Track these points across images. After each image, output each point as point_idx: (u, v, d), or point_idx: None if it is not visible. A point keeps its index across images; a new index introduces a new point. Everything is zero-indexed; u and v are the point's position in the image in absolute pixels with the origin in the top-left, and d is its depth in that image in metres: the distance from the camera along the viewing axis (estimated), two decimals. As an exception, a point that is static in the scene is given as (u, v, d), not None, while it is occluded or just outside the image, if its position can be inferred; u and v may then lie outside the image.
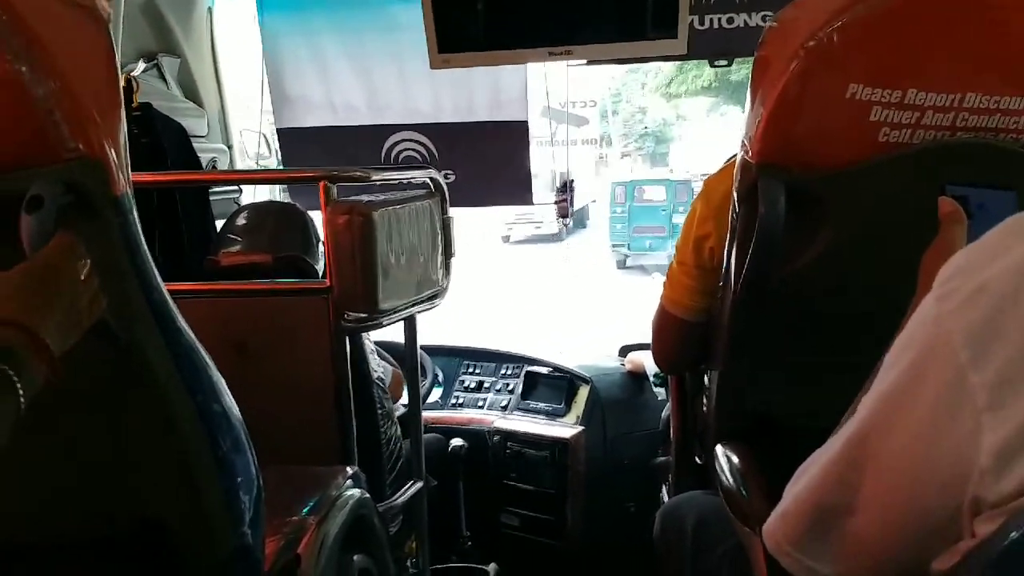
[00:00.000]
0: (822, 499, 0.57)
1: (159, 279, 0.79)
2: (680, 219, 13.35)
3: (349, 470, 1.36)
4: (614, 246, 14.33)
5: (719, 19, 2.06)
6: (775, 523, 0.61)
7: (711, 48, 2.10)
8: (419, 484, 1.86)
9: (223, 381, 0.90)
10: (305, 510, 1.20)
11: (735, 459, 0.96)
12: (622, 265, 14.25)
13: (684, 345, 1.33)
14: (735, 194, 0.93)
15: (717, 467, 0.98)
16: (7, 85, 0.65)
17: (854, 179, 0.83)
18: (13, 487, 0.68)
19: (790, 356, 0.96)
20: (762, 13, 2.02)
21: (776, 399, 0.99)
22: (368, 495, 1.35)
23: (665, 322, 1.33)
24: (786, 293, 0.91)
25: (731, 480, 0.95)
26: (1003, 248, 0.46)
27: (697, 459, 1.42)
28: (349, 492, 1.28)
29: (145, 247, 0.76)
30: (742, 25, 2.05)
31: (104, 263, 0.70)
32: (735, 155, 1.03)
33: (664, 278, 1.34)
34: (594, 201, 16.63)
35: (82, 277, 0.68)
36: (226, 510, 0.89)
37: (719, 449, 0.99)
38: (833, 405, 0.79)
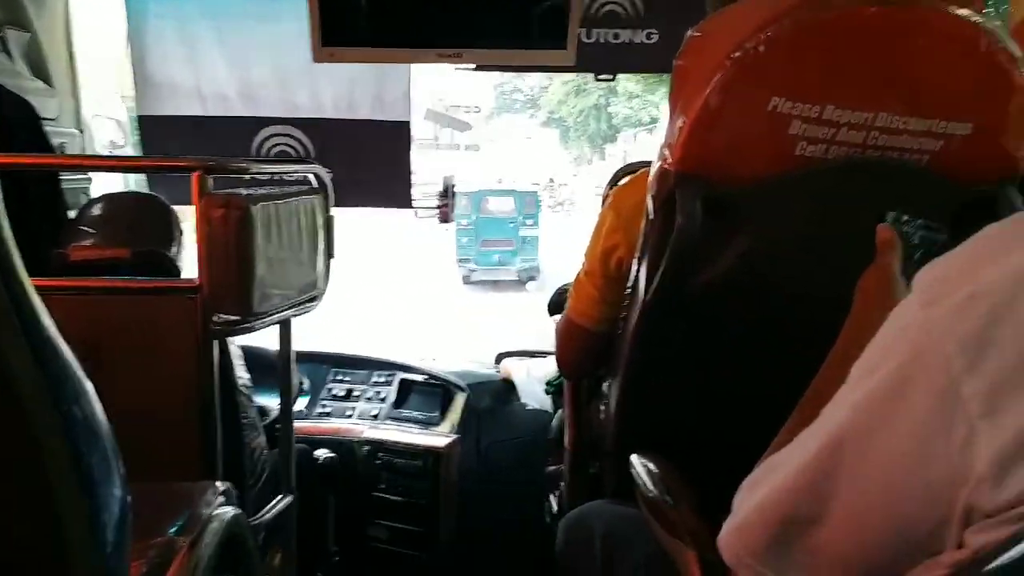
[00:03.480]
0: (788, 509, 0.55)
1: (22, 270, 0.68)
2: (528, 232, 13.46)
3: (220, 485, 1.25)
4: (460, 261, 13.68)
5: (606, 34, 2.10)
6: (733, 534, 0.60)
7: (598, 62, 2.13)
8: (289, 498, 1.76)
9: (91, 387, 0.80)
10: (173, 530, 1.09)
11: (654, 468, 0.95)
12: (467, 280, 13.66)
13: (588, 353, 1.34)
14: (650, 202, 0.93)
15: (635, 475, 0.97)
16: None
17: (770, 191, 0.85)
18: None
19: (696, 366, 0.97)
20: (647, 31, 2.08)
21: (678, 408, 1.00)
22: (242, 512, 1.25)
23: (570, 331, 1.34)
24: (697, 302, 0.91)
25: (654, 489, 0.93)
26: (992, 255, 0.45)
27: (591, 469, 1.42)
28: (222, 510, 1.17)
29: (8, 232, 0.65)
30: (627, 42, 2.10)
31: None
32: (642, 167, 1.04)
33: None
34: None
35: None
36: (89, 534, 0.79)
37: (634, 458, 0.98)
38: (738, 414, 0.80)
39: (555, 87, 24.29)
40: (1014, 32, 1.22)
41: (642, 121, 22.50)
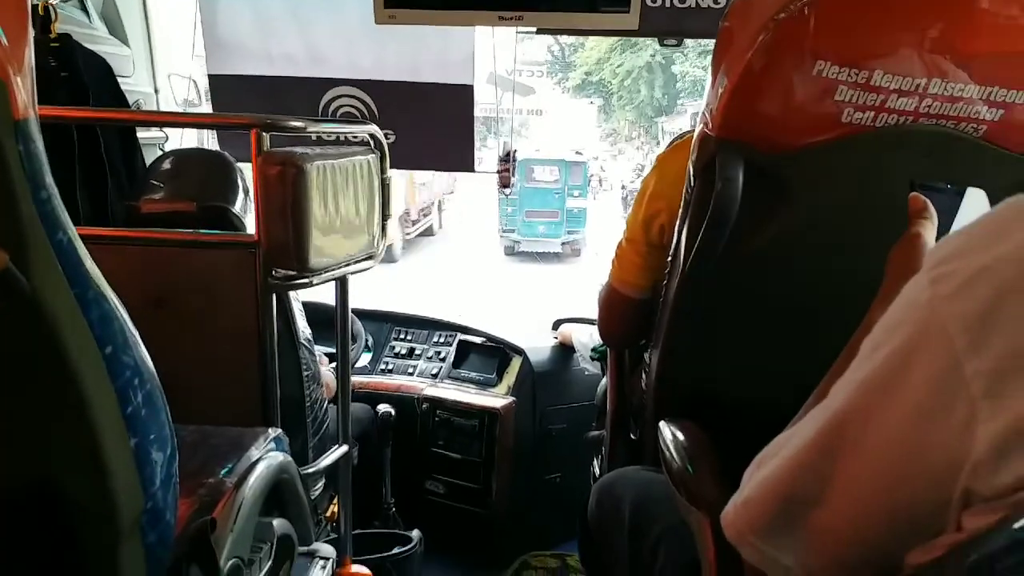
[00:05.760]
0: (790, 488, 0.54)
1: (66, 217, 0.72)
2: (574, 203, 12.91)
3: (271, 432, 1.30)
4: (503, 231, 13.08)
5: (670, -2, 2.03)
6: (736, 511, 0.59)
7: (661, 26, 2.07)
8: (344, 448, 1.82)
9: (136, 333, 0.84)
10: (223, 472, 1.14)
11: (680, 435, 0.93)
12: (511, 251, 13.03)
13: (630, 322, 1.33)
14: (691, 168, 0.91)
15: (661, 443, 0.96)
16: None
17: (815, 158, 0.82)
18: None
19: (734, 335, 0.95)
20: (713, -5, 2.00)
21: (717, 377, 0.98)
22: (291, 459, 1.30)
23: (612, 300, 1.33)
24: (736, 271, 0.89)
25: (676, 457, 0.92)
26: (1004, 232, 0.43)
27: (632, 435, 1.41)
28: (271, 455, 1.23)
29: (51, 181, 0.69)
30: (693, 6, 2.03)
31: (1, 194, 0.64)
32: (687, 132, 1.02)
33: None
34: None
35: None
36: (135, 469, 0.84)
37: (663, 425, 0.97)
38: (775, 385, 0.78)
39: (593, 41, 19.24)
40: None
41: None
